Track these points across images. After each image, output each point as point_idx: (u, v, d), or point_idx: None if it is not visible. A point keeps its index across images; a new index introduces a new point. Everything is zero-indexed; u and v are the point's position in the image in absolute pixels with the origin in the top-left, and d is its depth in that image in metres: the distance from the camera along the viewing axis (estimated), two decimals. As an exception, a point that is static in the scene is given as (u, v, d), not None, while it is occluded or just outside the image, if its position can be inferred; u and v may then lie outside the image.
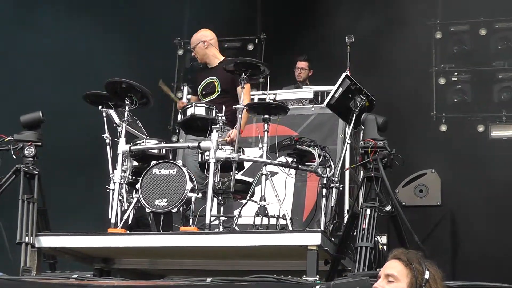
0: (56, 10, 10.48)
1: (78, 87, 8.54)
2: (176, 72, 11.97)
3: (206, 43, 7.66)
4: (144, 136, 7.24)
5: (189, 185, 6.44)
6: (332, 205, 6.95)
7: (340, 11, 10.57)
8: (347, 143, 7.10)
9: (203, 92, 7.51)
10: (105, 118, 7.08)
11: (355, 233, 6.17)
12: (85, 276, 6.19)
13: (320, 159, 6.76)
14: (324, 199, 6.88)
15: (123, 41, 10.95)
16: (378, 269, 3.83)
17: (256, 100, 8.72)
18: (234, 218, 6.66)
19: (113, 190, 6.72)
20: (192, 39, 7.75)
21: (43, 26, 10.30)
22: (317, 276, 5.78)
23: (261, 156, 6.80)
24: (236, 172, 6.66)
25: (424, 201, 7.70)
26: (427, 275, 3.64)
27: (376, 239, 6.20)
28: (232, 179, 6.60)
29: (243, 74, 6.73)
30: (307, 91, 9.15)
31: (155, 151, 6.95)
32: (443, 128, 10.95)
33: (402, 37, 10.40)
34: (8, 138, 6.78)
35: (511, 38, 10.95)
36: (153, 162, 6.66)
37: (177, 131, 10.40)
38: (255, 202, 6.74)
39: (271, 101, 7.23)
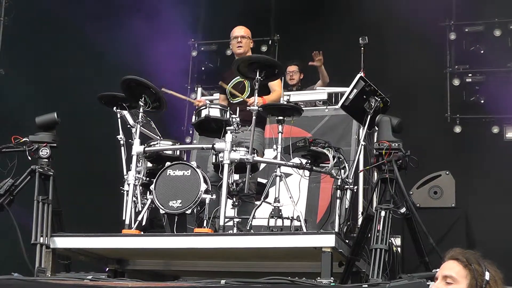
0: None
1: (92, 88, 8.57)
2: (190, 73, 11.98)
3: (252, 42, 7.68)
4: (158, 138, 7.24)
5: (203, 187, 6.43)
6: (346, 206, 6.92)
7: (354, 12, 10.55)
8: (362, 144, 7.07)
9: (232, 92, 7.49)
10: (119, 120, 7.08)
11: (369, 235, 6.14)
12: (99, 277, 6.19)
13: (334, 161, 6.74)
14: (338, 201, 6.85)
15: (139, 44, 11.01)
16: (434, 270, 3.71)
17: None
18: (248, 220, 6.64)
19: (127, 191, 6.72)
20: (245, 30, 7.67)
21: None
22: (332, 278, 5.75)
23: (275, 158, 6.78)
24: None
25: (439, 203, 7.62)
26: (487, 276, 3.48)
27: (390, 241, 6.17)
28: (246, 180, 6.59)
29: (257, 75, 6.72)
30: (321, 93, 9.14)
31: (169, 152, 6.95)
32: (458, 129, 10.92)
33: (416, 38, 10.37)
34: (24, 139, 6.79)
35: (526, 39, 10.92)
36: (167, 163, 6.66)
37: (191, 132, 10.41)
38: (269, 203, 6.73)
39: (285, 102, 7.22)
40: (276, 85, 7.27)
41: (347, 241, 6.42)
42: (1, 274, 5.96)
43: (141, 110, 6.84)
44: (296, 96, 9.05)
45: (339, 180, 6.82)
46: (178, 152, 7.02)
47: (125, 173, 6.87)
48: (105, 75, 9.92)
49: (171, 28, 11.36)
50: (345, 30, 10.11)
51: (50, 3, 10.61)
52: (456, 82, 11.10)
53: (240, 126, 6.68)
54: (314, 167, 6.83)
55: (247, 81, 7.29)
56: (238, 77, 7.32)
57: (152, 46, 11.25)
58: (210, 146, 6.72)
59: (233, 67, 6.97)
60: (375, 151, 6.40)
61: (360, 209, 7.79)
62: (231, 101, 7.43)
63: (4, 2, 10.79)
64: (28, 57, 10.56)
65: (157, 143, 6.93)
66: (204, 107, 6.90)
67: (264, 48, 11.57)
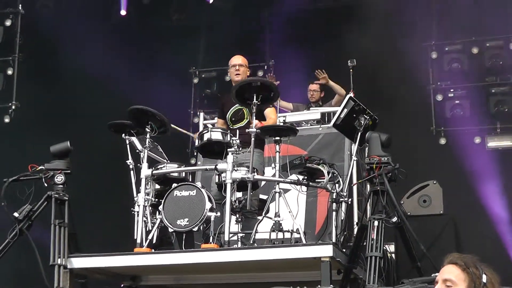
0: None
1: (100, 115, 8.57)
2: (192, 99, 11.99)
3: (249, 70, 7.71)
4: (165, 161, 7.23)
5: (208, 205, 6.43)
6: (342, 218, 6.91)
7: (342, 37, 10.55)
8: (354, 159, 7.08)
9: (233, 119, 7.48)
10: (128, 145, 7.07)
11: (364, 244, 6.12)
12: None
13: (329, 176, 6.74)
14: (334, 213, 6.86)
15: (143, 70, 11.03)
16: (433, 275, 3.69)
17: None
18: (251, 234, 6.61)
19: (137, 212, 6.70)
20: (243, 59, 7.67)
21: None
22: (331, 285, 5.74)
23: (274, 175, 6.76)
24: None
25: (428, 211, 7.61)
26: (484, 278, 3.46)
27: (384, 248, 6.15)
28: (248, 197, 6.58)
29: (254, 99, 6.71)
30: (314, 113, 9.12)
31: (176, 174, 6.94)
32: (443, 141, 10.90)
33: (401, 58, 10.37)
34: (40, 167, 6.77)
35: (502, 55, 10.91)
36: (174, 184, 6.65)
37: (195, 154, 10.39)
38: (270, 218, 6.71)
39: (282, 124, 7.22)
40: (271, 113, 7.28)
41: (344, 250, 6.41)
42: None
43: (148, 136, 6.84)
44: (292, 117, 9.03)
45: (334, 194, 6.82)
46: (183, 174, 7.01)
47: (135, 195, 6.86)
48: (114, 104, 9.93)
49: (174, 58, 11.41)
50: (335, 54, 10.10)
51: (61, 38, 10.66)
52: (439, 97, 11.09)
53: (240, 148, 6.67)
54: (310, 183, 6.82)
55: (245, 109, 7.29)
56: (236, 105, 7.34)
57: (156, 76, 11.29)
58: (213, 167, 6.71)
59: (232, 92, 7.00)
60: (366, 165, 6.41)
61: (355, 219, 7.75)
62: (231, 127, 7.41)
63: (18, 39, 10.81)
64: (42, 90, 10.57)
65: (164, 166, 6.93)
66: (206, 131, 6.90)
67: (260, 73, 11.57)
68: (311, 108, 9.45)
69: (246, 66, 7.63)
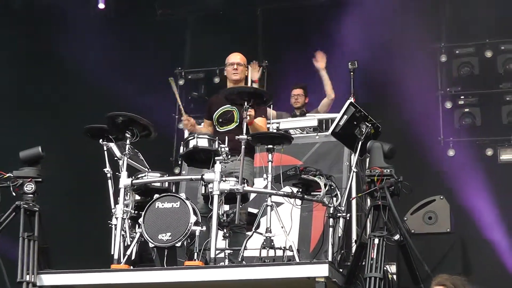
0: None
1: (79, 118, 8.60)
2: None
3: (247, 70, 7.73)
4: (146, 169, 7.26)
5: (193, 218, 6.44)
6: (340, 235, 6.95)
7: (343, 37, 10.62)
8: (353, 171, 7.10)
9: (220, 120, 7.45)
10: (106, 152, 7.09)
11: (363, 263, 6.16)
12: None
13: (326, 189, 6.77)
14: (331, 229, 6.87)
15: (124, 69, 11.06)
16: None
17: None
18: (240, 251, 6.64)
19: (115, 225, 6.72)
20: (241, 57, 7.65)
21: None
22: (326, 308, 5.77)
23: (266, 187, 6.80)
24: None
25: (434, 228, 7.67)
26: None
27: (385, 268, 6.19)
28: (237, 211, 6.60)
29: (246, 104, 6.76)
30: (311, 119, 9.14)
31: (158, 184, 6.96)
32: (451, 152, 10.95)
33: (406, 62, 10.44)
34: (8, 174, 6.78)
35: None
36: (156, 195, 6.67)
37: (179, 163, 10.42)
38: (261, 234, 6.73)
39: (275, 130, 7.25)
40: (261, 122, 7.30)
41: (341, 270, 6.44)
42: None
43: (128, 142, 6.86)
44: (286, 124, 9.07)
45: (332, 208, 6.85)
46: (166, 184, 7.02)
47: (112, 206, 6.87)
48: (91, 106, 9.97)
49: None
50: (334, 55, 10.15)
51: (34, 31, 10.69)
52: (449, 105, 11.16)
53: (229, 156, 6.71)
54: (305, 196, 6.84)
55: (236, 111, 7.31)
56: (227, 105, 7.36)
57: (138, 76, 11.33)
58: (199, 177, 6.74)
59: (221, 96, 7.05)
60: (367, 177, 6.45)
61: (354, 237, 7.80)
62: (218, 130, 7.43)
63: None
64: (11, 87, 10.58)
65: (145, 175, 6.94)
66: (192, 137, 6.92)
67: (254, 74, 11.59)
68: (307, 114, 9.50)
69: (244, 65, 7.63)
